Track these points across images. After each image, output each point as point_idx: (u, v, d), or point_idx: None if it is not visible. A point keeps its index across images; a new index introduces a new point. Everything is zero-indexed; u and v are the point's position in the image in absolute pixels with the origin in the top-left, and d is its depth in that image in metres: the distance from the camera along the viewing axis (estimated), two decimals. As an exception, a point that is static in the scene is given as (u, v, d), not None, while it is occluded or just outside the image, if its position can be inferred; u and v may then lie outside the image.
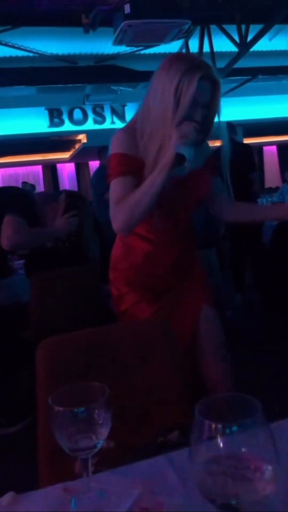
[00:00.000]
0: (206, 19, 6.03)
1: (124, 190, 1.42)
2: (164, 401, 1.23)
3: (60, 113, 8.41)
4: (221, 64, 6.58)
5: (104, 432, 0.73)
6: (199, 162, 1.48)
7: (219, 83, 1.41)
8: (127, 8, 5.28)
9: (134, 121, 1.49)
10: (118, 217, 1.41)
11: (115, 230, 1.45)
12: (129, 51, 6.75)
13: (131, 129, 1.47)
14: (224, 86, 5.18)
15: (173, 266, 1.58)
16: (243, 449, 0.55)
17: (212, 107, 1.42)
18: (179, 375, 1.29)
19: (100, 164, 5.38)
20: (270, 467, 0.54)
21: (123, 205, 1.40)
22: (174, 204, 1.50)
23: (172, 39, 5.76)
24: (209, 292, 1.64)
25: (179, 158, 1.35)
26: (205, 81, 1.35)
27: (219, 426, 0.54)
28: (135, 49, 6.61)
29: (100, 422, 0.73)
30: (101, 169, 5.24)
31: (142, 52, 6.96)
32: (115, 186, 1.44)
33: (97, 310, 2.30)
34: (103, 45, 6.85)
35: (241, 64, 6.45)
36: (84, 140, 8.81)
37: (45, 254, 2.63)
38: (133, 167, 1.43)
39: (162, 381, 1.27)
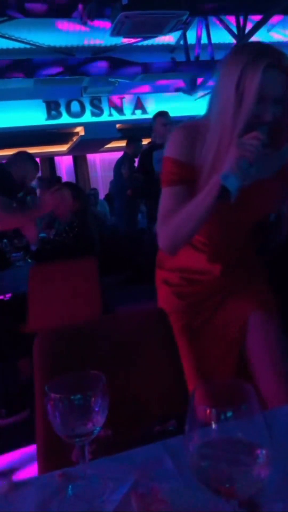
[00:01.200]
0: (204, 10, 5.99)
1: (173, 202, 1.25)
2: (161, 390, 1.24)
3: (57, 106, 8.37)
4: (219, 56, 6.56)
5: (100, 419, 0.74)
6: (270, 171, 1.27)
7: None
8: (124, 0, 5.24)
9: (201, 118, 1.28)
10: (163, 236, 1.28)
11: (160, 247, 1.32)
12: (127, 42, 6.71)
13: (195, 126, 1.27)
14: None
15: (222, 274, 1.40)
16: (238, 434, 0.56)
17: (286, 102, 1.15)
18: (176, 364, 1.30)
19: (124, 152, 5.03)
20: (264, 452, 0.55)
21: (168, 225, 1.25)
22: (232, 221, 1.31)
23: (170, 30, 5.73)
24: (266, 297, 1.42)
25: (224, 189, 1.14)
26: (274, 70, 1.10)
27: (214, 411, 0.55)
28: (132, 40, 6.57)
29: (97, 409, 0.74)
30: (122, 158, 4.94)
31: (140, 43, 6.92)
32: (165, 196, 1.29)
33: (96, 301, 2.31)
34: (100, 37, 6.81)
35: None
36: (82, 133, 8.77)
37: (50, 245, 2.64)
38: (187, 176, 1.25)
39: (159, 370, 1.28)
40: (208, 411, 0.55)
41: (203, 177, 1.21)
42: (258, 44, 1.20)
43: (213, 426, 0.55)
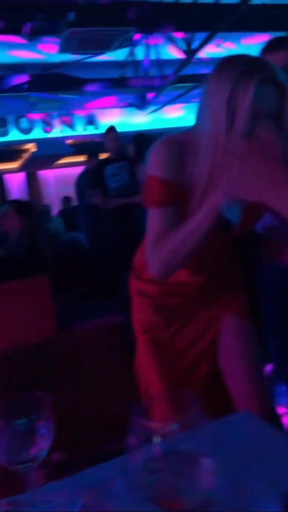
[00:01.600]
0: (151, 27, 6.11)
1: (164, 225, 1.18)
2: (117, 408, 1.21)
3: (4, 123, 8.25)
4: (168, 71, 6.69)
5: (46, 442, 0.71)
6: None
7: (285, 86, 1.08)
8: (71, 16, 5.27)
9: (186, 132, 1.22)
10: (154, 263, 1.20)
11: (151, 273, 1.24)
12: (76, 59, 6.73)
13: (179, 141, 1.19)
14: (172, 93, 5.22)
15: (202, 286, 1.35)
16: (182, 445, 0.55)
17: (281, 118, 1.09)
18: (132, 380, 1.29)
19: (85, 168, 4.92)
20: (209, 461, 0.54)
21: (160, 250, 1.18)
22: (215, 235, 1.21)
23: (118, 47, 5.80)
24: (240, 304, 1.39)
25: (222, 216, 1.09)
26: (267, 85, 1.04)
27: (156, 424, 0.54)
28: (81, 57, 6.60)
29: (42, 432, 0.71)
30: (84, 173, 4.86)
31: (89, 60, 6.96)
32: (154, 219, 1.21)
33: (50, 319, 2.26)
34: (49, 53, 6.80)
35: (188, 71, 6.57)
36: (34, 149, 8.67)
37: (1, 263, 2.57)
38: (176, 196, 1.18)
39: (115, 387, 1.26)
40: (151, 425, 0.54)
41: (196, 197, 1.15)
42: (249, 57, 1.12)
43: (157, 440, 0.54)
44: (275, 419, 1.22)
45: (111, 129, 4.22)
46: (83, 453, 1.12)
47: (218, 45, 6.99)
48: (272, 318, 1.95)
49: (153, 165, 1.20)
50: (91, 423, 1.20)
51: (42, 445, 0.71)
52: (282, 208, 0.89)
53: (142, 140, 3.82)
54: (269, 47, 1.76)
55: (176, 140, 1.20)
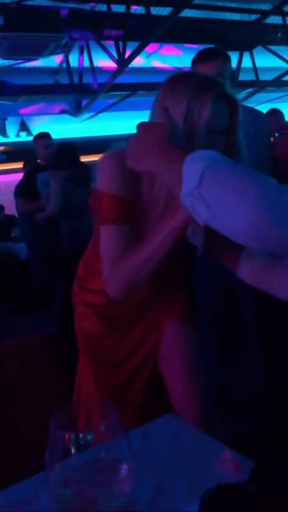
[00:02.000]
0: (83, 35, 6.11)
1: (122, 242, 1.16)
2: (47, 420, 1.20)
3: None
4: (102, 79, 6.72)
5: None
6: None
7: (238, 103, 1.10)
8: (1, 20, 5.16)
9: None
10: (115, 283, 1.17)
11: (110, 295, 1.20)
12: (8, 64, 6.59)
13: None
14: (106, 101, 5.22)
15: (147, 293, 1.33)
16: (100, 453, 0.56)
17: (233, 134, 1.11)
18: (64, 391, 1.28)
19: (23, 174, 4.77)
20: (125, 466, 0.55)
21: (120, 272, 1.15)
22: None
23: (51, 53, 5.74)
24: (182, 308, 1.38)
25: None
26: (220, 101, 1.06)
27: (73, 435, 0.54)
28: (13, 62, 6.47)
29: None
30: (21, 182, 4.66)
31: (22, 65, 6.83)
32: (108, 237, 1.18)
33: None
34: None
35: (121, 79, 6.63)
36: None
37: None
38: (130, 212, 1.16)
39: (46, 398, 1.24)
40: (67, 436, 0.54)
41: (155, 216, 1.13)
42: (201, 74, 1.14)
43: (75, 450, 0.54)
44: (210, 423, 1.24)
45: (42, 135, 4.15)
46: (8, 469, 1.09)
47: (147, 57, 7.13)
48: (205, 311, 2.01)
49: (103, 180, 1.17)
50: (19, 438, 1.17)
51: None
52: (171, 181, 0.91)
53: (65, 149, 3.79)
54: (203, 57, 1.87)
55: (123, 155, 1.13)
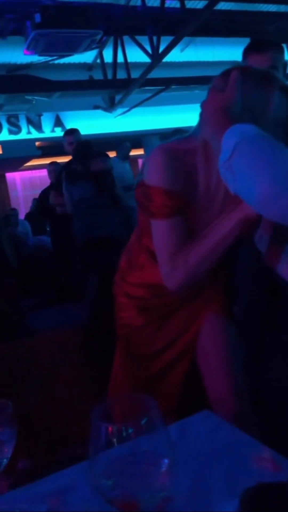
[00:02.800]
0: (118, 30, 6.13)
1: (176, 237, 1.16)
2: (81, 412, 1.21)
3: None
4: (135, 74, 6.72)
5: (8, 450, 0.71)
6: None
7: None
8: (37, 17, 5.23)
9: (186, 140, 1.18)
10: (177, 277, 1.16)
11: (170, 287, 1.19)
12: (43, 60, 6.68)
13: (177, 150, 1.16)
14: (139, 96, 5.28)
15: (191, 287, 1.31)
16: (141, 447, 0.56)
17: None
18: (95, 384, 1.29)
19: (50, 183, 4.80)
20: (166, 460, 0.55)
21: (183, 264, 1.14)
22: None
23: (85, 49, 5.78)
24: (223, 302, 1.36)
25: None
26: (281, 94, 1.08)
27: (116, 428, 0.55)
28: (49, 58, 6.55)
29: (4, 439, 0.70)
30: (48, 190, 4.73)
31: (56, 61, 6.91)
32: (162, 231, 1.17)
33: (16, 326, 2.23)
34: (15, 54, 6.72)
35: (155, 74, 6.62)
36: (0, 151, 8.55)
37: None
38: (183, 205, 1.15)
39: (79, 391, 1.26)
40: (110, 428, 0.55)
41: (213, 207, 1.14)
42: (260, 67, 1.16)
43: (117, 443, 0.55)
44: (248, 420, 1.21)
45: (68, 132, 4.22)
46: (47, 459, 1.11)
47: (182, 50, 7.08)
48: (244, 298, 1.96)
49: (154, 175, 1.16)
50: (54, 428, 1.20)
51: (4, 452, 0.70)
52: (218, 152, 0.94)
53: (80, 147, 3.83)
54: (256, 48, 1.85)
55: (173, 149, 1.17)
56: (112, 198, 3.62)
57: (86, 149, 3.74)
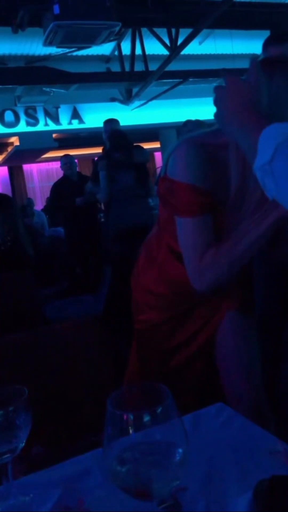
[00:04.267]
0: (136, 22, 6.09)
1: (205, 236, 1.11)
2: (96, 401, 1.22)
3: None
4: (153, 67, 6.69)
5: (23, 434, 0.72)
6: None
7: None
8: (56, 9, 5.22)
9: (215, 134, 1.11)
10: (206, 278, 1.11)
11: (199, 289, 1.15)
12: (61, 52, 6.68)
13: (208, 146, 1.09)
14: (156, 89, 5.25)
15: None
16: (155, 436, 0.56)
17: None
18: (110, 373, 1.30)
19: (63, 175, 4.87)
20: (180, 450, 0.55)
21: (215, 264, 1.09)
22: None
23: (103, 41, 5.76)
24: (243, 299, 1.33)
25: None
26: None
27: (131, 416, 0.55)
28: (67, 50, 6.55)
29: (19, 424, 0.71)
30: (61, 182, 4.83)
31: (74, 53, 6.91)
32: (191, 230, 1.12)
33: (33, 316, 2.25)
34: (33, 46, 6.74)
35: (172, 67, 6.57)
36: (17, 143, 8.59)
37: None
38: (211, 202, 1.10)
39: (93, 380, 1.27)
40: (125, 416, 0.55)
41: (247, 206, 1.08)
42: (283, 57, 1.11)
43: (131, 430, 0.55)
44: (264, 417, 1.19)
45: (104, 122, 4.21)
46: (61, 446, 1.13)
47: (200, 43, 7.00)
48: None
49: (181, 170, 1.10)
50: (69, 416, 1.21)
51: (19, 437, 0.71)
52: (248, 152, 0.89)
53: (112, 136, 3.82)
54: (277, 39, 1.90)
55: (205, 143, 1.10)
56: (147, 189, 3.66)
57: (125, 139, 3.76)
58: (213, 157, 1.08)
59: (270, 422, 1.18)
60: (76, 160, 5.10)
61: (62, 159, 4.85)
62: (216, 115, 1.00)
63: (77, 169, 4.99)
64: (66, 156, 4.86)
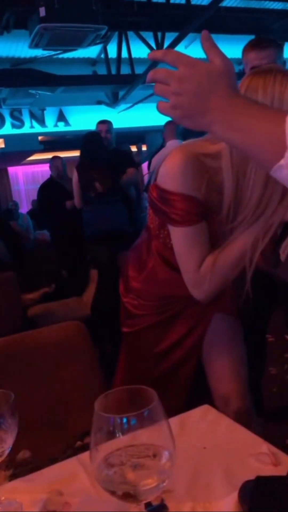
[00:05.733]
0: (122, 25, 6.11)
1: (202, 243, 1.12)
2: (82, 405, 1.22)
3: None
4: (139, 70, 6.71)
5: (9, 439, 0.71)
6: None
7: None
8: (42, 11, 5.21)
9: (205, 141, 1.10)
10: (205, 286, 1.12)
11: (198, 297, 1.16)
12: (47, 54, 6.66)
13: (200, 155, 1.08)
14: (143, 92, 5.23)
15: None
16: (142, 438, 0.57)
17: None
18: (96, 378, 1.30)
19: (50, 176, 4.84)
20: (167, 452, 0.56)
21: (213, 272, 1.10)
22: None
23: (90, 44, 5.75)
24: (229, 301, 1.32)
25: None
26: None
27: (118, 419, 0.55)
28: (53, 52, 6.53)
29: (5, 429, 0.71)
30: (48, 184, 4.80)
31: (60, 56, 6.89)
32: (189, 238, 1.12)
33: (15, 319, 2.24)
34: (19, 48, 6.71)
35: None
36: (2, 145, 8.52)
37: None
38: (206, 211, 1.10)
39: (80, 384, 1.27)
40: (112, 419, 0.55)
41: (248, 214, 1.05)
42: (272, 65, 1.14)
43: (118, 433, 0.56)
44: (250, 418, 1.21)
45: (100, 122, 4.17)
46: (48, 450, 1.12)
47: (186, 47, 7.05)
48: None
49: (174, 180, 1.09)
50: (55, 420, 1.21)
51: (5, 442, 0.71)
52: (253, 147, 0.72)
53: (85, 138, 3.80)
54: (256, 45, 1.90)
55: (197, 152, 1.08)
56: (121, 191, 3.63)
57: (99, 141, 3.73)
58: (206, 166, 1.07)
59: (256, 423, 1.19)
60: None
61: (51, 160, 4.79)
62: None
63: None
64: (56, 158, 4.80)
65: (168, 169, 1.10)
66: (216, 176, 1.07)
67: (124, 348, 1.42)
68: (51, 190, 4.51)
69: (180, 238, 1.13)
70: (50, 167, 4.73)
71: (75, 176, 3.66)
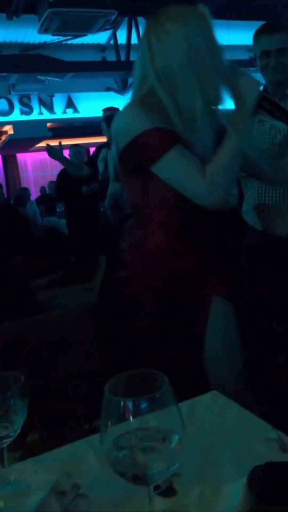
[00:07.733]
0: (132, 11, 6.03)
1: (190, 158, 1.18)
2: (90, 388, 1.23)
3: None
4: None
5: (19, 420, 0.72)
6: None
7: None
8: (52, -4, 5.16)
9: (147, 92, 1.23)
10: (216, 189, 1.19)
11: (212, 204, 1.21)
12: (56, 40, 6.60)
13: (141, 100, 1.23)
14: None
15: (196, 265, 1.31)
16: (152, 422, 0.57)
17: None
18: (103, 362, 1.30)
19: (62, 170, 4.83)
20: (177, 436, 0.56)
21: (217, 175, 1.18)
22: None
23: (99, 30, 5.71)
24: (227, 283, 1.33)
25: None
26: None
27: (128, 402, 0.55)
28: (62, 38, 6.47)
29: (15, 410, 0.72)
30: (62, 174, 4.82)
31: (70, 42, 6.83)
32: (177, 160, 1.18)
33: (25, 305, 2.25)
34: (28, 33, 6.65)
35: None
36: (11, 132, 8.50)
37: None
38: (175, 135, 1.18)
39: (88, 368, 1.27)
40: (122, 402, 0.55)
41: (198, 127, 1.18)
42: (199, 7, 1.31)
43: (128, 416, 0.56)
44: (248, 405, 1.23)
45: (107, 109, 4.15)
46: (57, 432, 1.13)
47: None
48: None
49: (136, 124, 1.18)
50: (65, 403, 1.22)
51: (15, 423, 0.72)
52: None
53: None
54: (266, 30, 1.93)
55: (135, 100, 1.25)
56: None
57: None
58: (150, 107, 1.19)
59: (259, 411, 1.20)
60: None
61: (71, 148, 4.79)
62: None
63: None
64: (76, 145, 4.82)
65: (123, 123, 1.22)
66: (163, 110, 1.18)
67: (132, 337, 1.41)
68: (70, 176, 4.48)
69: (171, 170, 1.19)
70: (70, 155, 4.72)
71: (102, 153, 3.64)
